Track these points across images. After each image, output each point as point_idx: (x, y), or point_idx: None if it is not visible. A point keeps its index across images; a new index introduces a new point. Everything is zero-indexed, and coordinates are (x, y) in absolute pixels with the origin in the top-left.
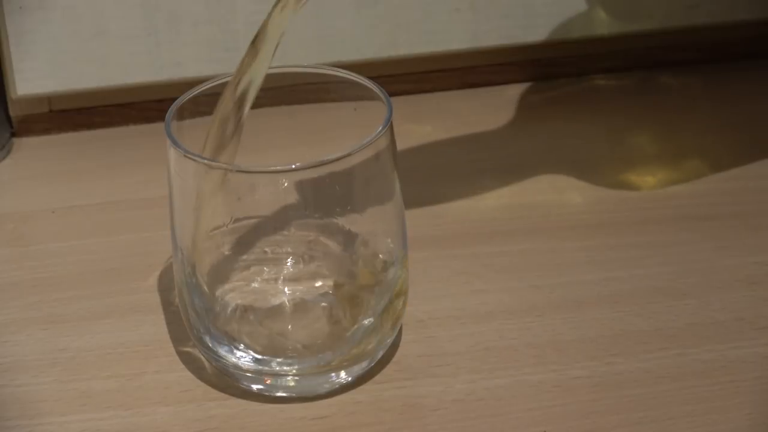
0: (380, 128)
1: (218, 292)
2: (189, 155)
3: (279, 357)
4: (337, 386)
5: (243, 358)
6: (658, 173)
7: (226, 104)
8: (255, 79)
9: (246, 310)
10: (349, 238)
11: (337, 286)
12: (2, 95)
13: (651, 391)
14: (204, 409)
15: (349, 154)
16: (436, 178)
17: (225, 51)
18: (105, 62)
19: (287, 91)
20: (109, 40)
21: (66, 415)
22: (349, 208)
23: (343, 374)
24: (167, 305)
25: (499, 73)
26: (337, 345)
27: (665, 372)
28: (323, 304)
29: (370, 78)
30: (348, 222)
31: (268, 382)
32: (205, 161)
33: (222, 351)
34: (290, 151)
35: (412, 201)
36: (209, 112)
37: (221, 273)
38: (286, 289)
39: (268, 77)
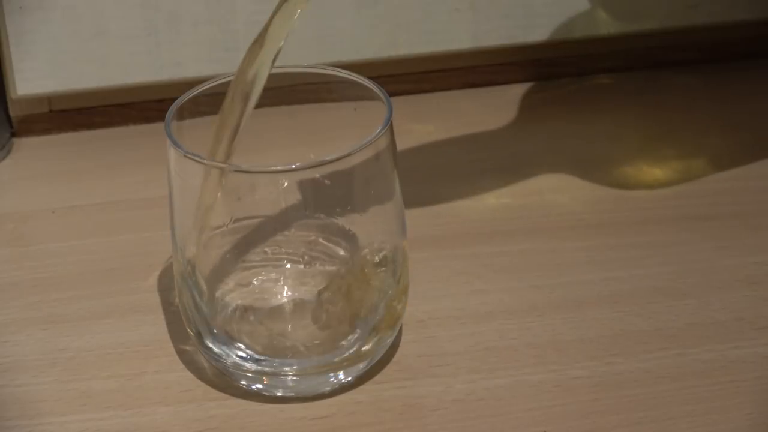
0: (380, 128)
1: (218, 292)
2: (189, 155)
3: (279, 357)
4: (337, 386)
5: (243, 358)
6: (658, 173)
7: (229, 104)
8: (260, 75)
9: (246, 310)
10: (349, 238)
11: (336, 286)
12: (2, 95)
13: (651, 391)
14: (204, 409)
15: (349, 154)
16: (436, 178)
17: (225, 51)
18: (105, 62)
19: (287, 91)
20: (109, 40)
21: (66, 415)
22: (349, 208)
23: (342, 374)
24: (167, 305)
25: (499, 73)
26: (337, 345)
27: (665, 372)
28: (323, 304)
29: (370, 78)
30: (348, 222)
31: (268, 382)
32: (205, 161)
33: (222, 351)
34: (290, 151)
35: (412, 201)
36: (209, 112)
37: (221, 273)
38: (286, 289)
39: (268, 77)
